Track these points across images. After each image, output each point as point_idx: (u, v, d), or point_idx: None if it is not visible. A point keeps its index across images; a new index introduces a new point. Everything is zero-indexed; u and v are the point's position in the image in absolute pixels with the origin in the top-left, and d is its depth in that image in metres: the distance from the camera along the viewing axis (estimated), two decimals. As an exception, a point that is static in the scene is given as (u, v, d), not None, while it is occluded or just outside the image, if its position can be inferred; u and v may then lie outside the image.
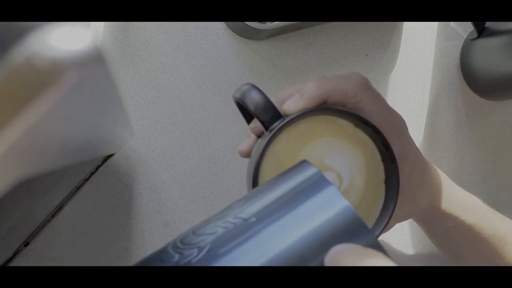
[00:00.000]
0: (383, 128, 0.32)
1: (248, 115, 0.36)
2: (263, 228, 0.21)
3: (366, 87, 0.33)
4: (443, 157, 0.52)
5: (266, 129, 0.31)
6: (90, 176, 0.43)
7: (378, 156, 0.33)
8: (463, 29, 0.52)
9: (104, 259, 0.43)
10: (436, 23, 0.51)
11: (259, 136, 0.34)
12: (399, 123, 0.36)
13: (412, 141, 0.37)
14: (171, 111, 0.44)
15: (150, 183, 0.44)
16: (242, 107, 0.34)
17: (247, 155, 0.35)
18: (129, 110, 0.43)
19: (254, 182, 0.31)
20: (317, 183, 0.22)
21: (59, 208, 0.42)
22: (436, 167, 0.41)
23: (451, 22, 0.52)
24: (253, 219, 0.21)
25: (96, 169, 0.43)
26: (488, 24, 0.49)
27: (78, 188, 0.42)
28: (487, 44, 0.48)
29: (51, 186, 0.35)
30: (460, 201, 0.40)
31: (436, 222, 0.41)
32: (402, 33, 0.50)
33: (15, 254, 0.41)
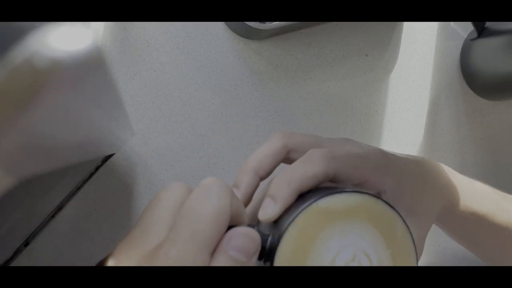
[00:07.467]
0: (367, 184, 0.31)
1: None
2: None
3: (330, 159, 0.31)
4: (443, 157, 0.52)
5: (260, 257, 0.26)
6: (90, 176, 0.43)
7: (392, 214, 0.28)
8: (463, 29, 0.52)
9: (104, 259, 0.43)
10: (436, 23, 0.51)
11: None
12: (375, 162, 0.33)
13: (396, 163, 0.35)
14: (171, 111, 0.44)
15: (150, 183, 0.44)
16: None
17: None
18: (129, 110, 0.43)
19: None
20: None
21: (59, 208, 0.42)
22: (432, 162, 0.40)
23: (451, 22, 0.52)
24: None
25: (96, 169, 0.43)
26: (488, 24, 0.48)
27: (78, 188, 0.42)
28: (487, 44, 0.48)
29: (51, 186, 0.35)
30: (468, 192, 0.39)
31: (453, 220, 0.41)
32: (402, 33, 0.50)
33: (15, 254, 0.41)
